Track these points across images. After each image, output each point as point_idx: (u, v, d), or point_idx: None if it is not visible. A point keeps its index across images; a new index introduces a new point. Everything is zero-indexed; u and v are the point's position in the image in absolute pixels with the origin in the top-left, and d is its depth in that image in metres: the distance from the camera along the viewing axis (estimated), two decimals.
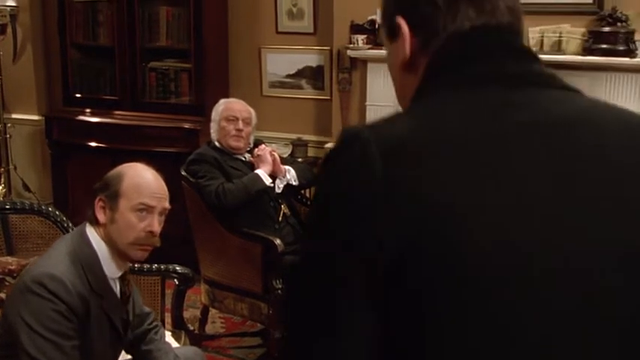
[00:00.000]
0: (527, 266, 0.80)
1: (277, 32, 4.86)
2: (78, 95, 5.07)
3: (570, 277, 0.81)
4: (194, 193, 3.54)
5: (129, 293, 2.30)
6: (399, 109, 0.99)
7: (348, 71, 4.45)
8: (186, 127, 4.66)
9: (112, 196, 2.17)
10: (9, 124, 5.23)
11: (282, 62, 4.88)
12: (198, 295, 3.84)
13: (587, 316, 0.81)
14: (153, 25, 4.82)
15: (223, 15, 4.93)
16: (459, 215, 0.80)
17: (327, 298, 0.83)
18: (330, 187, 0.87)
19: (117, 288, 2.24)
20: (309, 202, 3.94)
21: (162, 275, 2.89)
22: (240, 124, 3.66)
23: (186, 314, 3.52)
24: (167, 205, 2.28)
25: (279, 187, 3.64)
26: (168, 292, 2.97)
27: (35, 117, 5.35)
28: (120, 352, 2.36)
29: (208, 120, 4.01)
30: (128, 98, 4.91)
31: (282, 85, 4.92)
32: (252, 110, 3.78)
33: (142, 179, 2.23)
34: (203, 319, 3.76)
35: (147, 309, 2.52)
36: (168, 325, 2.91)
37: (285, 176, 3.67)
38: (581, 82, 3.83)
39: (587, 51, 3.83)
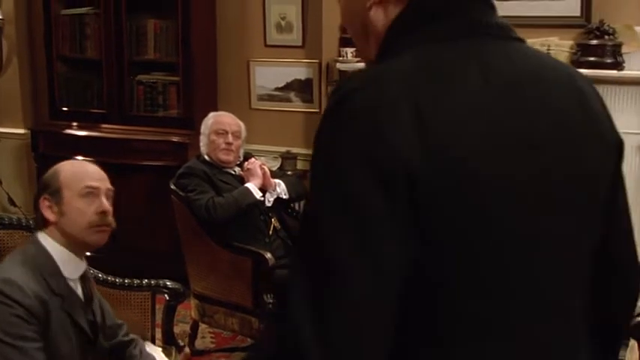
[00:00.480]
0: (519, 195, 0.96)
1: (266, 45, 4.85)
2: (65, 108, 5.03)
3: (542, 202, 0.99)
4: (184, 207, 3.52)
5: (91, 294, 2.28)
6: None
7: (336, 84, 4.44)
8: (175, 140, 4.63)
9: (55, 191, 2.20)
10: None
11: (270, 75, 4.87)
12: (187, 310, 3.81)
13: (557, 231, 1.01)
14: (140, 38, 4.79)
15: (211, 28, 4.92)
16: (467, 150, 0.93)
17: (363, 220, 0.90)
18: (363, 140, 0.92)
19: (78, 289, 2.23)
20: (299, 216, 3.93)
21: (152, 290, 2.86)
22: (230, 138, 3.65)
23: (176, 329, 3.48)
24: (110, 186, 2.30)
25: (270, 200, 3.63)
26: (158, 307, 2.94)
27: (21, 130, 5.30)
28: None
29: (197, 133, 4.00)
30: (115, 111, 4.87)
31: (270, 98, 4.91)
32: (241, 123, 3.77)
33: (78, 167, 2.30)
34: (193, 334, 3.73)
35: (119, 320, 2.49)
36: (158, 341, 2.88)
37: (275, 190, 3.66)
38: None
39: (575, 63, 3.83)
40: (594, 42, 3.78)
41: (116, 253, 4.59)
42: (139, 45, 4.81)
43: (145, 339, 2.81)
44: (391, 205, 0.90)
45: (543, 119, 1.00)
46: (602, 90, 3.77)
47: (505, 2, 3.98)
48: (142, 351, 2.49)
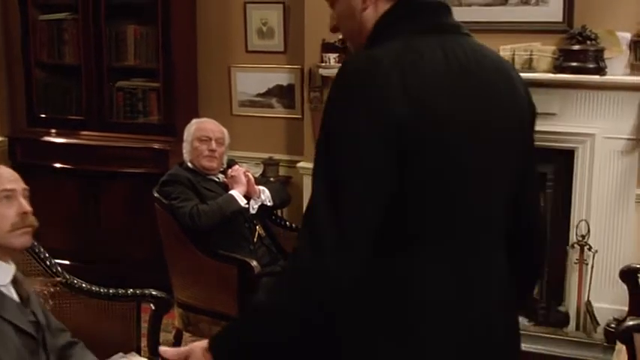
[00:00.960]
0: (471, 135, 1.39)
1: (247, 51, 4.82)
2: (43, 115, 4.96)
3: (493, 139, 1.43)
4: (167, 215, 3.47)
5: (28, 295, 2.23)
6: None
7: (319, 90, 4.43)
8: (156, 147, 4.58)
9: None
10: None
11: (252, 81, 4.84)
12: (169, 319, 3.76)
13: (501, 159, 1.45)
14: (120, 43, 4.75)
15: (192, 33, 4.88)
16: (435, 104, 1.35)
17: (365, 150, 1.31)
18: (366, 94, 1.33)
19: (13, 294, 2.18)
20: (283, 223, 3.90)
21: (137, 300, 2.81)
22: (214, 145, 3.62)
23: None
24: (25, 185, 2.28)
25: (254, 207, 3.59)
26: (143, 317, 2.89)
27: None
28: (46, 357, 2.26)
29: (178, 140, 3.96)
30: (95, 118, 4.82)
31: (252, 104, 4.87)
32: (225, 130, 3.73)
33: None
34: (176, 344, 3.67)
35: (61, 324, 2.43)
36: (144, 352, 2.84)
37: (259, 197, 3.62)
38: (552, 100, 3.87)
39: (557, 69, 3.87)
40: (576, 47, 3.79)
41: (96, 262, 4.58)
42: (119, 51, 4.76)
43: (130, 349, 2.77)
44: (385, 136, 1.31)
45: (485, 88, 1.43)
46: (585, 95, 3.84)
47: (488, 8, 3.99)
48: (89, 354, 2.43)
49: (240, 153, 4.63)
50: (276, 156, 4.78)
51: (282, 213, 4.19)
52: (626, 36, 3.79)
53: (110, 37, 4.73)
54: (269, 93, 4.83)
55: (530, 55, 3.92)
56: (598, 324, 3.89)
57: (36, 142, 4.87)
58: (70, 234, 4.73)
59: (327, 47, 4.30)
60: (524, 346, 3.81)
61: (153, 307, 2.82)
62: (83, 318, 2.79)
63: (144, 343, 2.90)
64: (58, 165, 4.81)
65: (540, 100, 3.76)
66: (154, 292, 2.82)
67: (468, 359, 1.44)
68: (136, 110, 4.81)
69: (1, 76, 5.24)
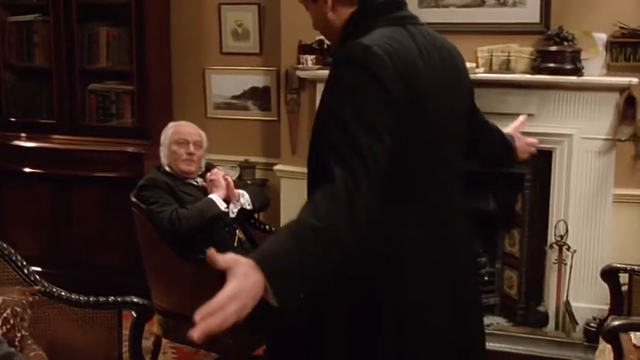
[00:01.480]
0: (442, 104, 1.78)
1: (222, 53, 4.77)
2: (13, 119, 4.86)
3: (452, 110, 1.85)
4: (145, 221, 3.41)
5: None
6: None
7: (296, 92, 4.39)
8: (130, 150, 4.51)
9: None
10: None
11: (227, 83, 4.79)
12: (148, 325, 3.68)
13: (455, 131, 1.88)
14: (92, 45, 4.67)
15: (166, 35, 4.81)
16: (420, 85, 1.71)
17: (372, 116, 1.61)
18: (368, 74, 1.64)
19: None
20: (262, 227, 3.85)
21: (118, 308, 2.76)
22: (192, 148, 3.56)
23: None
24: None
25: (233, 211, 3.55)
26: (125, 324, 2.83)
27: None
28: None
29: (153, 143, 3.90)
30: (66, 121, 4.73)
31: (227, 106, 4.82)
32: (202, 133, 3.68)
33: None
34: (156, 350, 3.61)
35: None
36: None
37: (239, 200, 3.57)
38: (530, 100, 3.89)
39: (535, 70, 3.88)
40: (554, 48, 3.80)
41: (69, 268, 4.48)
42: (91, 53, 4.69)
43: (111, 358, 2.72)
44: (389, 117, 1.62)
45: (443, 65, 1.81)
46: (562, 95, 3.85)
47: (465, 9, 3.99)
48: None
49: (216, 156, 4.56)
50: (252, 159, 4.74)
51: (258, 216, 4.14)
52: (602, 37, 3.81)
53: (82, 39, 4.65)
54: (244, 95, 4.78)
55: (508, 56, 3.93)
56: (577, 323, 3.91)
57: (6, 146, 4.76)
58: (42, 240, 4.64)
59: (305, 49, 4.26)
60: (505, 347, 3.86)
61: (134, 315, 2.77)
62: (62, 327, 2.74)
63: (125, 350, 2.85)
64: (28, 169, 4.71)
65: (518, 101, 3.89)
66: (135, 299, 2.77)
67: (447, 314, 1.82)
68: (109, 113, 4.73)
69: None
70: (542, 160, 3.89)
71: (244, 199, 3.60)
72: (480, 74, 3.85)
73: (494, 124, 2.23)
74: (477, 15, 3.98)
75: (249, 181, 4.45)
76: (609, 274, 3.20)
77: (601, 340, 2.90)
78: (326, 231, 1.45)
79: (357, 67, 1.63)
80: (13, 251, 2.71)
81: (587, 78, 3.80)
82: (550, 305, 4.02)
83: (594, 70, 3.83)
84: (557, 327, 4.00)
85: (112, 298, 2.74)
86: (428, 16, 3.69)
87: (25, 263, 2.72)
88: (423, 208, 1.78)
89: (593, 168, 3.87)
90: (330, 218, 1.47)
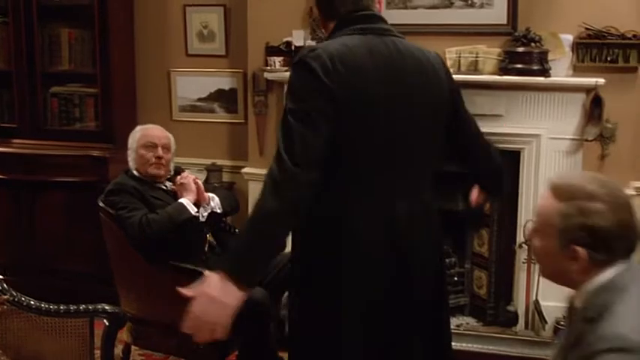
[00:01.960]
0: (386, 105, 2.01)
1: (187, 55, 4.72)
2: None
3: (410, 106, 2.06)
4: (113, 226, 3.34)
5: None
6: None
7: (263, 94, 4.35)
8: (94, 154, 4.42)
9: None
10: None
11: (193, 85, 4.73)
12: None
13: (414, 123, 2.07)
14: (54, 48, 4.58)
15: (130, 37, 4.73)
16: (365, 83, 1.98)
17: (310, 116, 1.90)
18: (307, 70, 1.95)
19: None
20: (232, 230, 3.80)
21: (90, 316, 2.69)
22: (160, 151, 3.50)
23: None
24: None
25: (204, 215, 3.49)
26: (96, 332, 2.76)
27: None
28: None
29: (117, 147, 3.83)
30: (27, 125, 4.63)
31: (193, 109, 4.77)
32: (170, 136, 3.63)
33: None
34: (125, 358, 3.54)
35: None
36: None
37: (209, 204, 3.52)
38: (498, 101, 3.91)
39: (503, 71, 3.90)
40: (521, 49, 3.83)
41: (33, 275, 4.38)
42: (53, 55, 4.60)
43: None
44: (322, 96, 1.91)
45: (403, 74, 2.04)
46: (530, 96, 3.88)
47: (433, 11, 4.00)
48: None
49: (182, 159, 4.49)
50: (219, 162, 4.69)
51: (227, 219, 4.08)
52: (568, 38, 3.85)
53: (43, 41, 4.56)
54: (210, 97, 4.74)
55: (476, 57, 3.94)
56: (546, 322, 3.94)
57: None
58: (6, 247, 4.53)
59: (272, 51, 4.23)
60: (475, 347, 3.88)
61: (107, 323, 2.70)
62: (32, 337, 2.67)
63: (96, 358, 2.78)
64: None
65: (486, 102, 3.91)
66: (107, 307, 2.70)
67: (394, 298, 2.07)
68: (72, 117, 4.64)
69: None
70: (511, 160, 3.91)
71: (214, 202, 3.55)
72: None
73: (496, 154, 2.38)
74: (445, 16, 3.99)
75: (216, 184, 4.39)
76: None
77: None
78: (262, 216, 1.87)
79: (300, 65, 1.97)
80: None
81: (555, 79, 3.84)
82: (520, 305, 4.05)
83: (561, 70, 3.87)
84: (526, 326, 4.03)
85: (84, 306, 2.67)
86: (396, 17, 3.70)
87: None
88: (365, 189, 2.02)
89: (560, 168, 3.91)
90: (258, 202, 1.88)
